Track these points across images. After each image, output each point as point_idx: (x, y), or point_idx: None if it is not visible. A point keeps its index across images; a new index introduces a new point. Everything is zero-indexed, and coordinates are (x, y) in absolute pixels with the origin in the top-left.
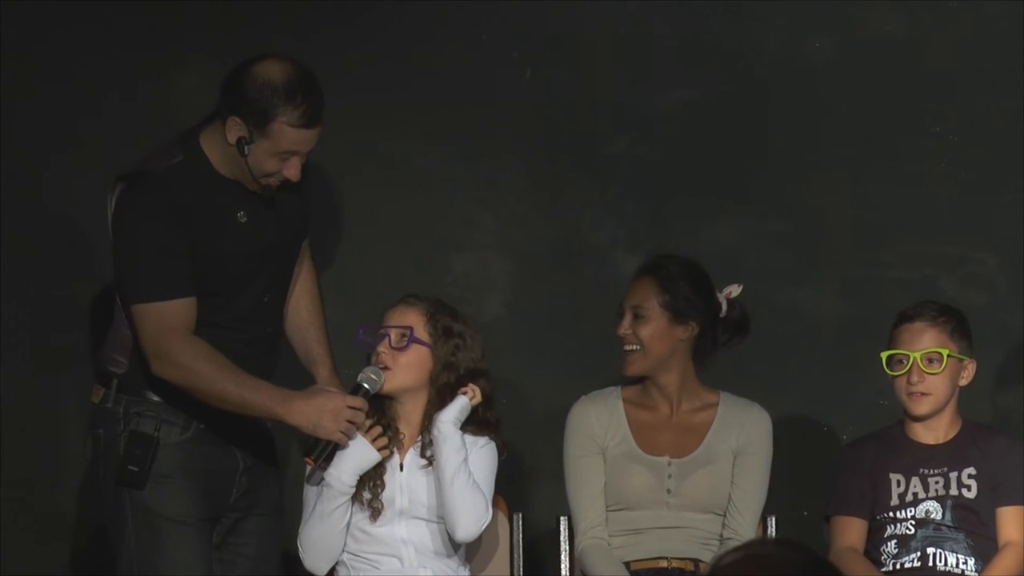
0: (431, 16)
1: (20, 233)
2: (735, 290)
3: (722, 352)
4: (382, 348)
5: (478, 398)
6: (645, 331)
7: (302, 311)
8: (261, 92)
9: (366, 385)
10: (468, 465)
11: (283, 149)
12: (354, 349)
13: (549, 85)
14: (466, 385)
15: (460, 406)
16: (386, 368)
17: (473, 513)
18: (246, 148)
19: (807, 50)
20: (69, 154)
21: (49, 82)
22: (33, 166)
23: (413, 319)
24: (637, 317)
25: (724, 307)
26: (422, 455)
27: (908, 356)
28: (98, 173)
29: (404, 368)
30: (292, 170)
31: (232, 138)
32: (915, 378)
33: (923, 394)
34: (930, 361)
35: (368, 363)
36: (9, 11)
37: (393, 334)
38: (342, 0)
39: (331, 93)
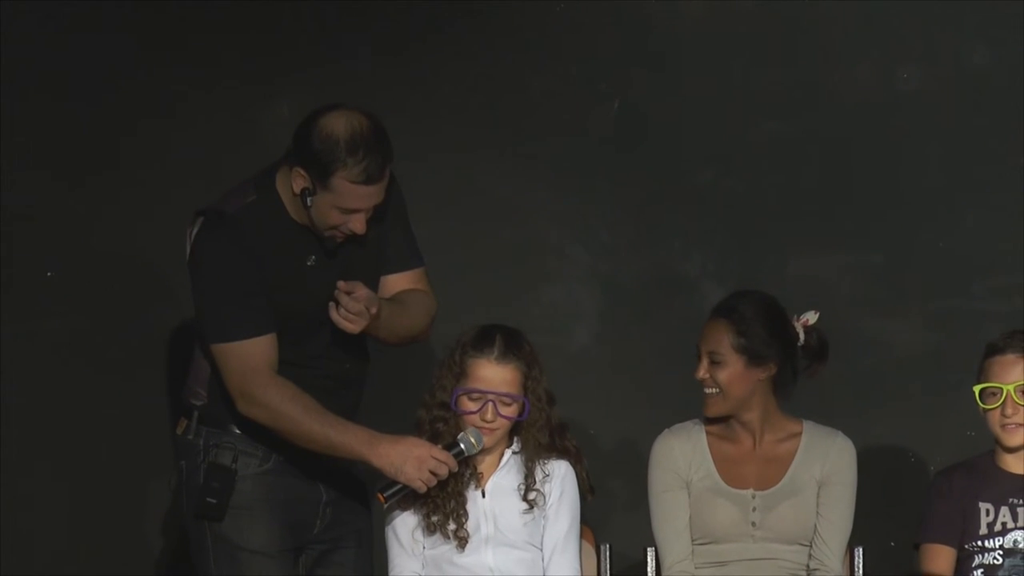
0: (521, 50)
1: (110, 264)
2: (811, 317)
3: (802, 379)
4: (490, 418)
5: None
6: (722, 376)
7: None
8: (324, 145)
9: (462, 446)
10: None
11: (344, 205)
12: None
13: (638, 117)
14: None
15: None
16: (494, 430)
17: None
18: (309, 200)
19: (895, 81)
20: (159, 184)
21: (137, 113)
22: (121, 196)
23: (516, 382)
24: (713, 362)
25: (801, 335)
26: (524, 499)
27: (1002, 389)
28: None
29: (505, 427)
30: (357, 224)
31: (296, 188)
32: (1009, 410)
33: (1018, 425)
34: None
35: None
36: (104, 44)
37: (502, 404)
38: (432, 36)
39: (423, 127)
